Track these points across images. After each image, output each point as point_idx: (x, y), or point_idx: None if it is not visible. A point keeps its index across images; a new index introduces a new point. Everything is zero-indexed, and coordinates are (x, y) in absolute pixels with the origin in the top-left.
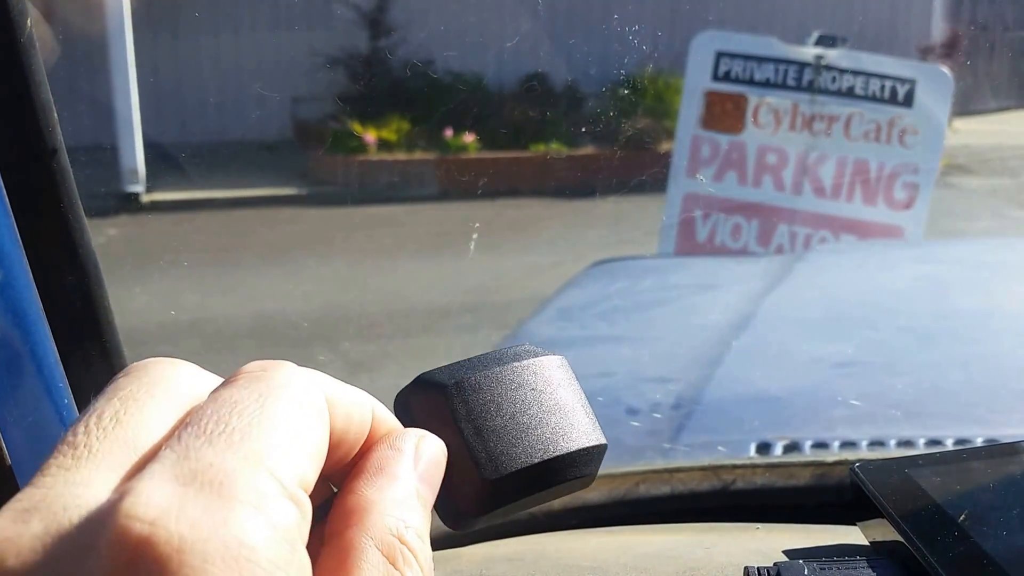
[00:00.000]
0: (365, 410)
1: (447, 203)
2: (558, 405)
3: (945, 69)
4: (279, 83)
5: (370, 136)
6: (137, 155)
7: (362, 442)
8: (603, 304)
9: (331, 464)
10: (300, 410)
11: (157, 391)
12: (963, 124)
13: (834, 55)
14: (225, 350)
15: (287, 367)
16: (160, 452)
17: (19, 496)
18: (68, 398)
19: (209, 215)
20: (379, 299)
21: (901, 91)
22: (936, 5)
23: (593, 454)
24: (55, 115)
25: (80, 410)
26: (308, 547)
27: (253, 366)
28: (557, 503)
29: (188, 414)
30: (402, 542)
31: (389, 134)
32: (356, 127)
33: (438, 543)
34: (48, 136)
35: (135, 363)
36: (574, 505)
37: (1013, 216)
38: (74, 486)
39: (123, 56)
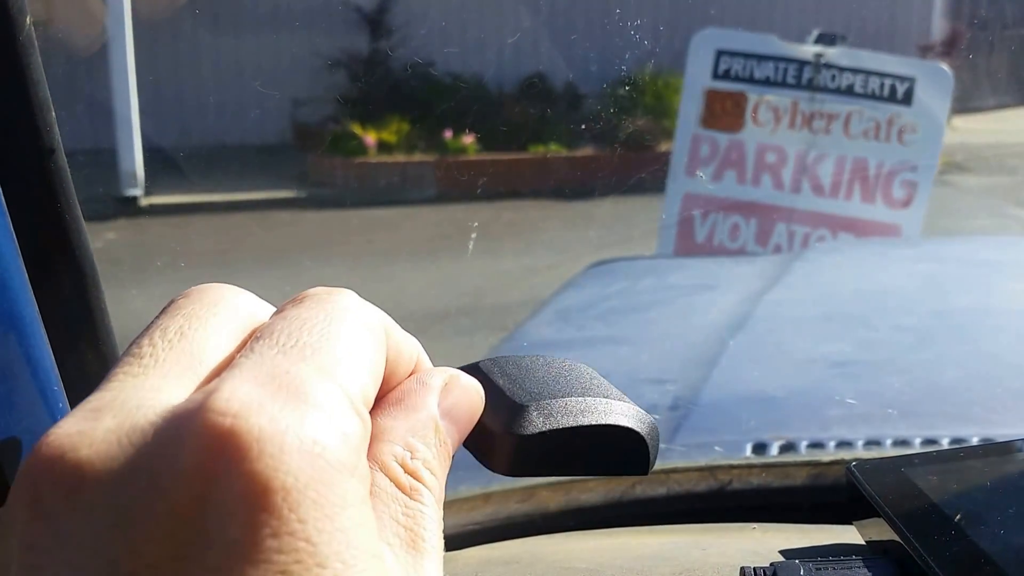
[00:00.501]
0: (414, 349)
1: (446, 205)
2: (603, 391)
3: (945, 67)
4: (278, 85)
5: (369, 138)
6: (136, 158)
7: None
8: (601, 305)
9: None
10: (364, 332)
11: (219, 309)
12: (961, 122)
13: (834, 53)
14: None
15: (350, 294)
16: (235, 360)
17: (88, 399)
18: (63, 403)
19: (208, 218)
20: (378, 301)
21: (900, 89)
22: (936, 3)
23: (637, 440)
24: (53, 115)
25: None
26: None
27: (319, 290)
28: (553, 504)
29: (255, 330)
30: (407, 470)
31: (388, 135)
32: (355, 128)
33: None
34: (46, 136)
35: (194, 286)
36: (571, 506)
37: (1011, 214)
38: (144, 390)
39: (122, 58)
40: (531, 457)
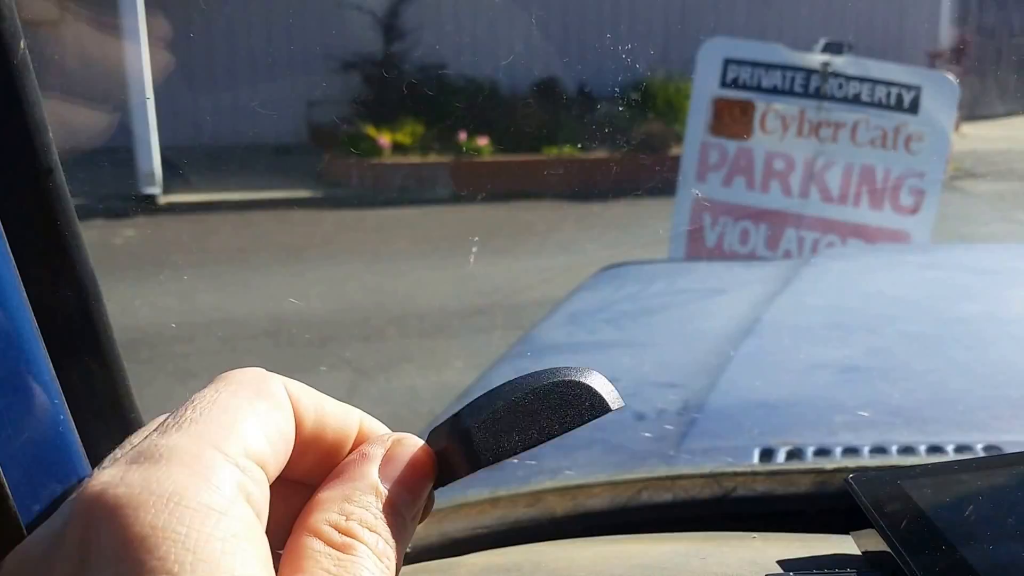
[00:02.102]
0: (346, 416)
1: (461, 206)
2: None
3: (951, 76)
4: (294, 86)
5: (384, 139)
6: (154, 157)
7: (347, 450)
8: (612, 309)
9: (313, 468)
10: (252, 398)
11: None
12: (971, 129)
13: (840, 62)
14: (242, 350)
15: (255, 370)
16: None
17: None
18: (65, 414)
19: (225, 217)
20: (394, 301)
21: (907, 98)
22: (943, 11)
23: (578, 387)
24: (50, 135)
25: (77, 427)
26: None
27: (228, 373)
28: (560, 509)
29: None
30: (340, 530)
31: (403, 137)
32: (370, 130)
33: (438, 551)
34: (43, 157)
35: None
36: (578, 511)
37: (1021, 220)
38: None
39: (139, 59)
40: (489, 445)
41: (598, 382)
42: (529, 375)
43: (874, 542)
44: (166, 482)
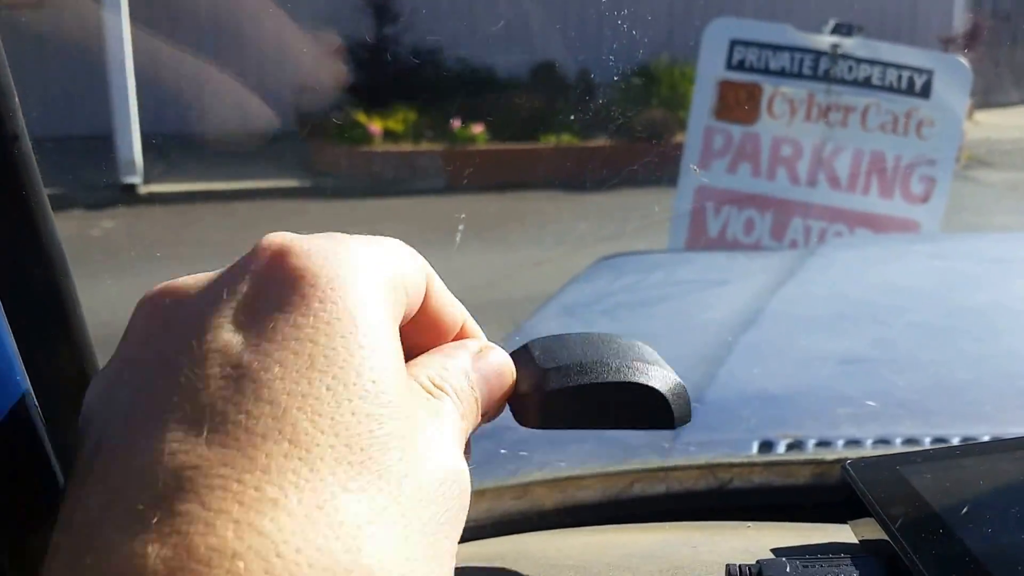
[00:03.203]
0: (458, 310)
1: (454, 196)
2: (635, 355)
3: (963, 60)
4: (281, 72)
5: (375, 126)
6: (134, 145)
7: (449, 338)
8: (607, 300)
9: (415, 342)
10: (404, 252)
11: None
12: (984, 117)
13: (850, 44)
14: None
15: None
16: None
17: None
18: (29, 396)
19: (209, 207)
20: None
21: (918, 82)
22: None
23: (657, 396)
24: (16, 100)
25: (44, 411)
26: None
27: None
28: (549, 502)
29: None
30: (434, 384)
31: (395, 124)
32: (361, 117)
33: None
34: (8, 122)
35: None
36: (567, 504)
37: None
38: None
39: (120, 44)
40: (556, 412)
41: (677, 399)
42: (619, 346)
43: (872, 530)
44: (346, 246)
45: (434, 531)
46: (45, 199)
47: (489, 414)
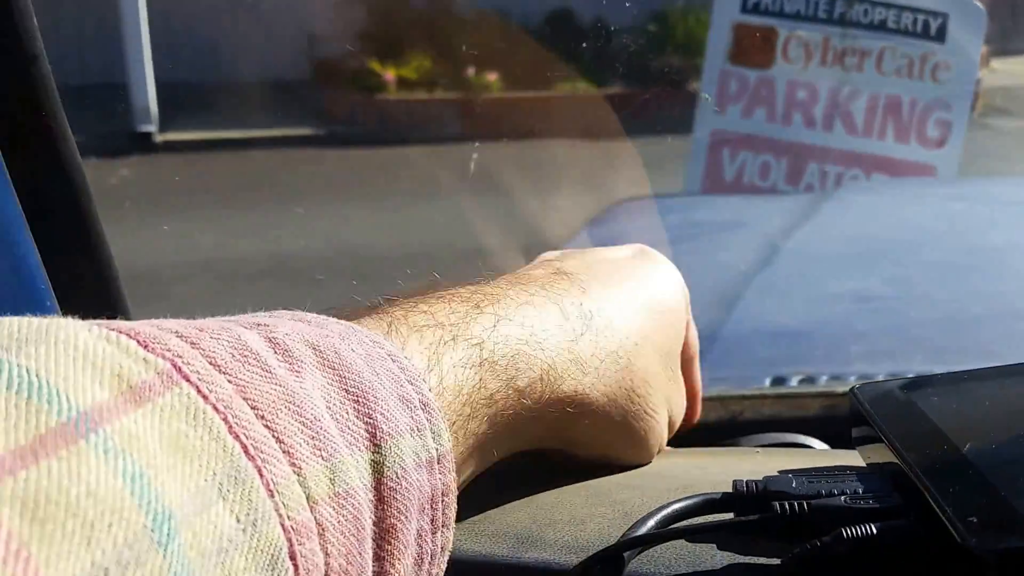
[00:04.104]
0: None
1: (469, 144)
2: None
3: (978, 3)
4: (296, 19)
5: (389, 74)
6: (149, 93)
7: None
8: (624, 243)
9: None
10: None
11: None
12: (1001, 64)
13: None
14: (242, 290)
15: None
16: None
17: None
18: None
19: (224, 155)
20: (399, 241)
21: (933, 25)
22: None
23: None
24: (35, 21)
25: None
26: None
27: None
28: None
29: None
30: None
31: (409, 72)
32: (375, 65)
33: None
34: (28, 43)
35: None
36: None
37: None
38: None
39: None
40: None
41: None
42: None
43: (880, 454)
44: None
45: None
46: (64, 118)
47: None
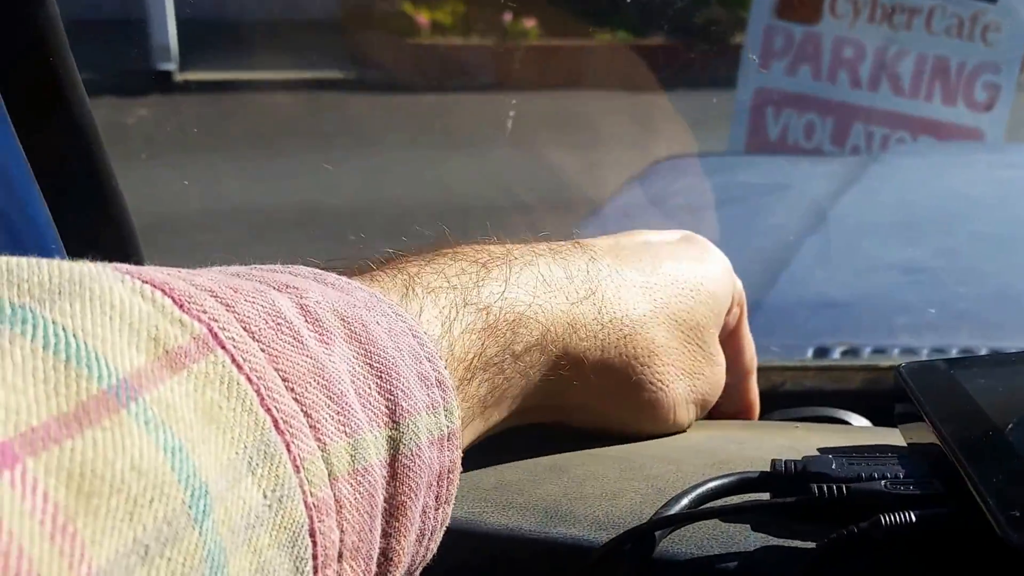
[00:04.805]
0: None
1: (505, 93)
2: None
3: None
4: None
5: (423, 18)
6: (169, 30)
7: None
8: (667, 203)
9: None
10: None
11: None
12: None
13: None
14: (271, 240)
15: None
16: None
17: None
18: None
19: (248, 97)
20: (429, 192)
21: None
22: None
23: None
24: None
25: None
26: None
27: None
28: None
29: None
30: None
31: (443, 16)
32: (407, 7)
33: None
34: None
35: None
36: None
37: None
38: None
39: None
40: None
41: None
42: None
43: (922, 434)
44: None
45: None
46: (73, 64)
47: None
